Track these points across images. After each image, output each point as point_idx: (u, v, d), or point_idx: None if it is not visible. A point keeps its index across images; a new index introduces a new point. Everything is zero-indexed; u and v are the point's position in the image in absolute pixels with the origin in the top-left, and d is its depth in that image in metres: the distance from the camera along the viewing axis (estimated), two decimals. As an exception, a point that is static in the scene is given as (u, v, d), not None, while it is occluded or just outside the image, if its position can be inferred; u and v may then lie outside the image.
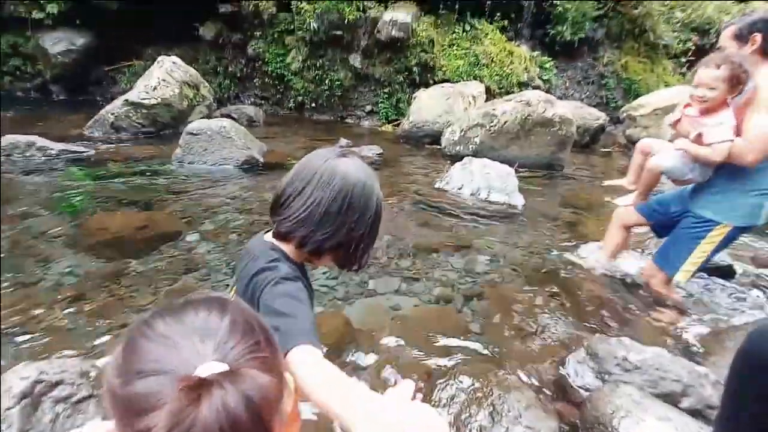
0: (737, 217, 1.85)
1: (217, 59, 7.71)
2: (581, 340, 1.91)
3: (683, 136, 1.87)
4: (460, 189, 4.05)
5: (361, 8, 6.68)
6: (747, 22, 1.75)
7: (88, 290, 2.20)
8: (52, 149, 4.08)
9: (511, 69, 7.00)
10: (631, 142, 6.19)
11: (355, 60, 6.93)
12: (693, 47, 8.21)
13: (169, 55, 5.66)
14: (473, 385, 1.58)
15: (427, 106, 5.96)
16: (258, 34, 7.27)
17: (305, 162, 0.84)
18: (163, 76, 5.30)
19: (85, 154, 4.26)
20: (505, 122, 4.83)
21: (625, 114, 6.67)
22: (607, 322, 2.20)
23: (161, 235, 2.85)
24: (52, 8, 7.01)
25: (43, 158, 4.00)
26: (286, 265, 0.80)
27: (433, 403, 1.54)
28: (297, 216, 0.80)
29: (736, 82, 1.68)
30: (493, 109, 4.96)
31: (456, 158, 4.68)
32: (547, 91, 6.14)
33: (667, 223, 2.11)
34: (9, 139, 3.95)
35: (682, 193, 2.09)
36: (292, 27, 7.07)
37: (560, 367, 1.74)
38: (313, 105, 7.27)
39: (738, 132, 1.73)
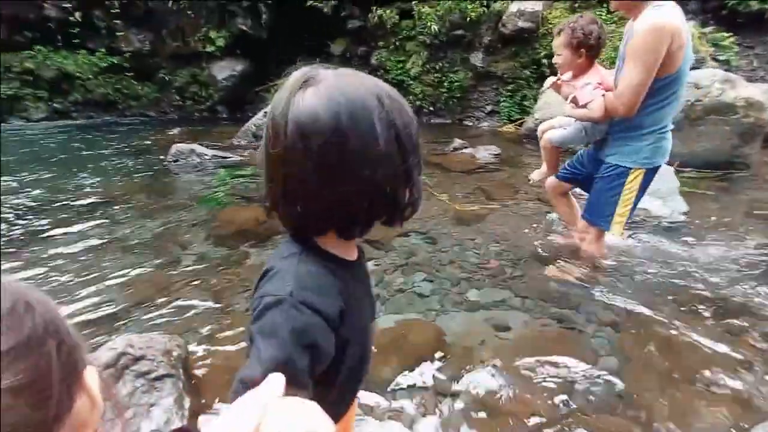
0: (642, 160, 1.88)
1: (345, 72, 8.25)
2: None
3: (564, 95, 2.03)
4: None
5: (485, 3, 6.33)
6: None
7: (209, 275, 2.42)
8: (206, 155, 4.82)
9: (670, 50, 5.74)
10: None
11: (477, 58, 6.59)
12: None
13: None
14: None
15: (557, 100, 5.23)
16: (381, 44, 7.54)
17: (269, 128, 0.56)
18: (295, 89, 5.84)
19: (230, 159, 4.92)
20: (661, 111, 3.91)
21: None
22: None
23: (279, 229, 3.03)
24: (219, 42, 8.47)
25: (199, 162, 4.74)
26: (294, 268, 0.56)
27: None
28: (311, 214, 0.56)
29: (577, 45, 1.83)
30: (644, 97, 4.07)
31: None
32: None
33: (588, 177, 2.13)
34: (177, 147, 4.81)
35: (590, 151, 2.16)
36: (413, 33, 7.13)
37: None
38: (431, 108, 7.17)
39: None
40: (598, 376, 1.56)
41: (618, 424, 1.29)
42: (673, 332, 1.80)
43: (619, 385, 1.50)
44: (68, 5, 8.07)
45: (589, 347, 1.74)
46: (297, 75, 0.56)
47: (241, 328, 1.86)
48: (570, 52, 1.86)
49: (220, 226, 3.12)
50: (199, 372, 1.54)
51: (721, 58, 5.93)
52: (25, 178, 4.21)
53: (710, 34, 6.04)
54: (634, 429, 1.26)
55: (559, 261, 2.38)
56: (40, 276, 2.35)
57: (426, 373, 1.56)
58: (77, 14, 8.16)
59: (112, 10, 8.30)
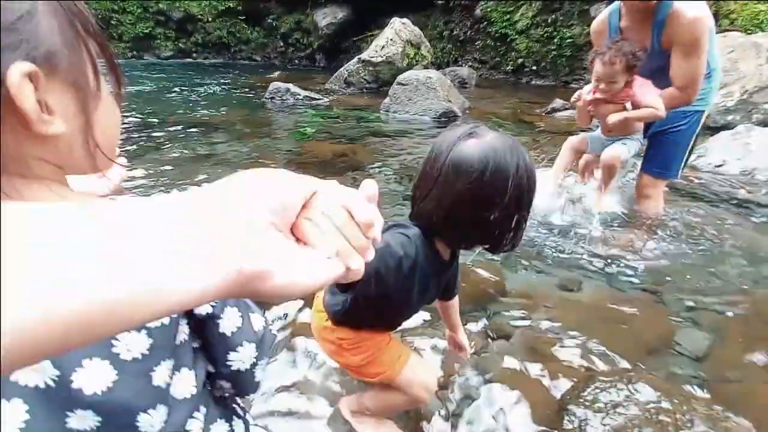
0: (709, 100, 1.98)
1: (445, 23, 7.86)
2: None
3: (601, 115, 1.99)
4: (719, 167, 2.86)
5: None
6: None
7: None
8: (299, 95, 5.03)
9: None
10: None
11: (598, 10, 5.77)
12: None
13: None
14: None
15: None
16: (488, -7, 6.97)
17: (432, 155, 0.78)
18: (392, 36, 5.73)
19: (320, 101, 5.08)
20: (838, 78, 3.08)
21: None
22: None
23: (354, 164, 3.10)
24: (325, -13, 8.54)
25: (293, 100, 4.98)
26: (413, 233, 0.80)
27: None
28: (431, 220, 0.78)
29: (631, 68, 1.84)
30: (817, 60, 3.22)
31: (723, 130, 3.33)
32: None
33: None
34: (275, 85, 5.08)
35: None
36: (526, -20, 6.46)
37: None
38: (534, 68, 6.56)
39: None
40: (678, 354, 1.36)
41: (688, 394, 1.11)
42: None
43: (701, 368, 1.29)
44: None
45: (677, 322, 1.51)
46: (466, 126, 0.77)
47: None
48: (626, 76, 1.87)
49: (303, 155, 3.28)
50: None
51: None
52: (148, 104, 4.82)
53: None
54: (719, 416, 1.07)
55: (641, 226, 2.09)
56: (151, 176, 2.72)
57: (480, 314, 1.50)
58: (204, -42, 8.81)
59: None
